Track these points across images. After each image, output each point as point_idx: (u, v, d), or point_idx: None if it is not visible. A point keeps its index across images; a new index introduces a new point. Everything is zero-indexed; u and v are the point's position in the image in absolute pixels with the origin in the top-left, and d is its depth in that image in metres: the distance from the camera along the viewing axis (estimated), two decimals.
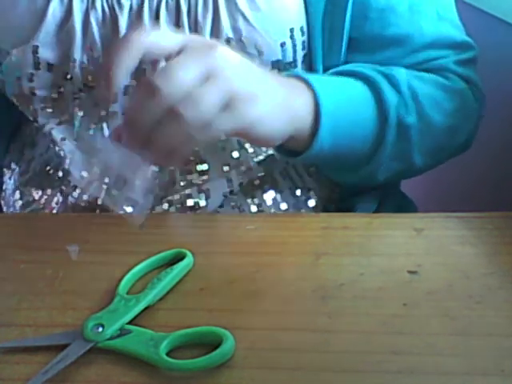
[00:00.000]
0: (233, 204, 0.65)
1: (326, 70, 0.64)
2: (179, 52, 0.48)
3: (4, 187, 0.73)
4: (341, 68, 0.64)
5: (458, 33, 0.69)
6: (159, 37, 0.49)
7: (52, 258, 0.53)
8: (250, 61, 0.53)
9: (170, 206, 0.64)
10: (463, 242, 0.54)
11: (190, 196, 0.64)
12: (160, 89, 0.46)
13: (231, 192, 0.65)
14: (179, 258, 0.51)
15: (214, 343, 0.42)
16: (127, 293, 0.48)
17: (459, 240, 0.54)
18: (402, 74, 0.62)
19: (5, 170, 0.73)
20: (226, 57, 0.49)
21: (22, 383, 0.41)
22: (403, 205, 0.76)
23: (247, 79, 0.50)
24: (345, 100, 0.59)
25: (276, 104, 0.53)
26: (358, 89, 0.61)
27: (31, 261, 0.53)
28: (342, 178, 0.67)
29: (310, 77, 0.57)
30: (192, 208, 0.64)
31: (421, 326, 0.45)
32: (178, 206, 0.64)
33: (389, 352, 0.42)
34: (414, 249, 0.53)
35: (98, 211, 0.64)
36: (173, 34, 0.51)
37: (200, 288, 0.49)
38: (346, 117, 0.58)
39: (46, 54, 0.61)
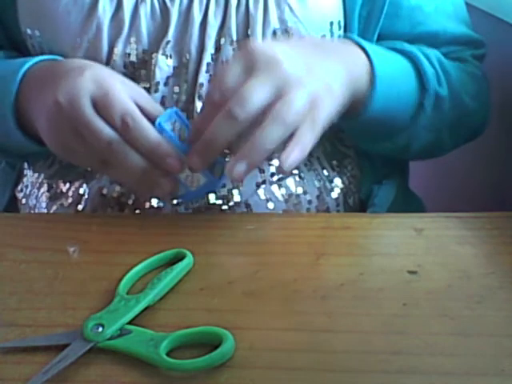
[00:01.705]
0: (260, 195, 0.65)
1: None
2: (245, 72, 0.51)
3: (25, 181, 0.73)
4: (380, 44, 0.67)
5: (472, 31, 0.74)
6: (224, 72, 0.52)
7: (52, 258, 0.53)
8: (309, 54, 0.55)
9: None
10: (463, 242, 0.54)
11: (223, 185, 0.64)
12: (237, 115, 0.49)
13: (263, 182, 0.65)
14: (179, 257, 0.51)
15: (214, 343, 0.42)
16: (127, 293, 0.48)
17: (459, 240, 0.54)
18: (434, 52, 0.67)
19: (26, 164, 0.73)
20: (290, 69, 0.51)
21: (21, 383, 0.41)
22: (412, 201, 0.78)
23: (314, 81, 0.52)
24: (393, 68, 0.63)
25: (341, 92, 0.55)
26: (401, 60, 0.65)
27: (31, 261, 0.53)
28: (379, 148, 0.69)
29: (366, 44, 0.61)
30: (224, 197, 0.64)
31: (421, 326, 0.45)
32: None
33: (389, 352, 0.42)
34: (413, 249, 0.53)
35: (130, 202, 0.64)
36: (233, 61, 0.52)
37: (200, 288, 0.49)
38: (394, 83, 0.62)
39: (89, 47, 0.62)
